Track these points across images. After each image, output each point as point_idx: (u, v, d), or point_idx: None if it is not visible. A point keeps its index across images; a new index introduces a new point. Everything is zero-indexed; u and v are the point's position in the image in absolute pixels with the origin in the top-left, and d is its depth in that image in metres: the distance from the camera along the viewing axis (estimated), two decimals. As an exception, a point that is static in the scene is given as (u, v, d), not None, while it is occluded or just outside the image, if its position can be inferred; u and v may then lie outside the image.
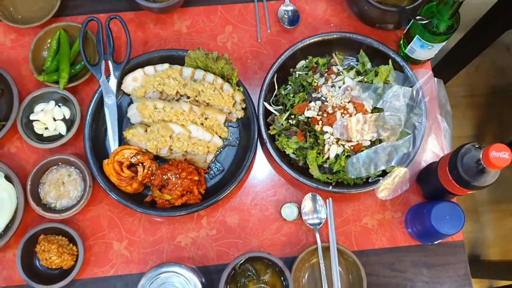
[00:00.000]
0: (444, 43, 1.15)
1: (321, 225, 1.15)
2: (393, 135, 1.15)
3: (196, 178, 1.14)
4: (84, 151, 1.15)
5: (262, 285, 1.08)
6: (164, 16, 1.31)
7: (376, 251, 1.16)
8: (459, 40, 1.95)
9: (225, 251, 1.16)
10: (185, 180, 1.12)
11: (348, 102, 1.14)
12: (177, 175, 1.12)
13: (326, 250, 1.12)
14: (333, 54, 1.24)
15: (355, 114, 1.13)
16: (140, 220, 1.17)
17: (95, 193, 1.17)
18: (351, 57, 1.26)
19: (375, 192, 1.16)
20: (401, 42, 1.25)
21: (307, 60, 1.24)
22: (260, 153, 1.23)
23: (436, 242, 1.15)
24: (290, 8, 1.31)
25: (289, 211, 1.17)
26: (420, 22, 1.10)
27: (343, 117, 1.13)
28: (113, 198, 1.12)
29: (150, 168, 1.13)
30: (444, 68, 2.06)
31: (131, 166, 1.14)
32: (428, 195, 1.17)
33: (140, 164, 1.13)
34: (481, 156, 0.91)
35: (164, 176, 1.12)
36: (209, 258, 1.15)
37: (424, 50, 1.17)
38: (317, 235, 1.13)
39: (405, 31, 1.22)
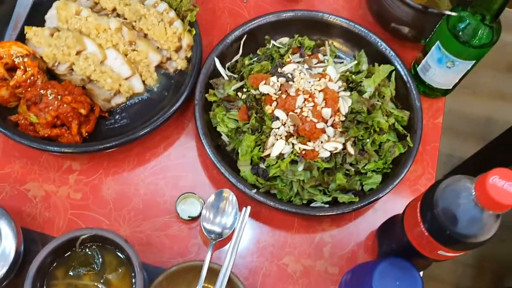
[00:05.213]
0: (471, 64, 0.84)
1: (221, 239, 0.79)
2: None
3: (82, 111, 0.81)
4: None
5: (99, 285, 0.72)
6: None
7: (284, 307, 0.78)
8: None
9: (81, 226, 0.81)
10: (65, 105, 0.80)
11: (319, 91, 0.83)
12: (58, 96, 0.80)
13: (213, 275, 0.75)
14: (326, 42, 0.95)
15: (323, 108, 0.81)
16: (-6, 142, 0.85)
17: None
18: (347, 55, 0.96)
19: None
20: (415, 61, 0.95)
21: (291, 39, 0.95)
22: (182, 119, 0.90)
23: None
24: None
25: (187, 207, 0.82)
26: (448, 13, 0.81)
27: (305, 105, 0.81)
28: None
29: (33, 77, 0.83)
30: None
31: (13, 70, 0.84)
32: (384, 256, 0.80)
33: (21, 68, 0.83)
34: (473, 187, 0.56)
35: (41, 91, 0.81)
36: (55, 225, 0.80)
37: (441, 68, 0.87)
38: (210, 249, 0.76)
39: (426, 42, 0.92)
